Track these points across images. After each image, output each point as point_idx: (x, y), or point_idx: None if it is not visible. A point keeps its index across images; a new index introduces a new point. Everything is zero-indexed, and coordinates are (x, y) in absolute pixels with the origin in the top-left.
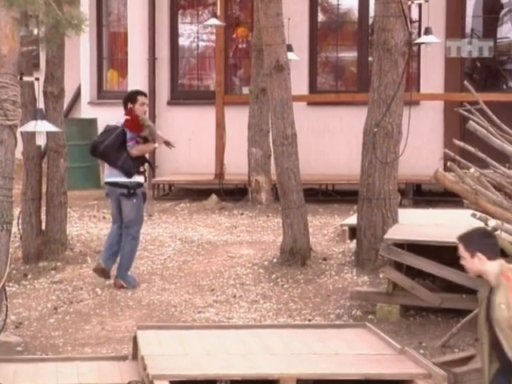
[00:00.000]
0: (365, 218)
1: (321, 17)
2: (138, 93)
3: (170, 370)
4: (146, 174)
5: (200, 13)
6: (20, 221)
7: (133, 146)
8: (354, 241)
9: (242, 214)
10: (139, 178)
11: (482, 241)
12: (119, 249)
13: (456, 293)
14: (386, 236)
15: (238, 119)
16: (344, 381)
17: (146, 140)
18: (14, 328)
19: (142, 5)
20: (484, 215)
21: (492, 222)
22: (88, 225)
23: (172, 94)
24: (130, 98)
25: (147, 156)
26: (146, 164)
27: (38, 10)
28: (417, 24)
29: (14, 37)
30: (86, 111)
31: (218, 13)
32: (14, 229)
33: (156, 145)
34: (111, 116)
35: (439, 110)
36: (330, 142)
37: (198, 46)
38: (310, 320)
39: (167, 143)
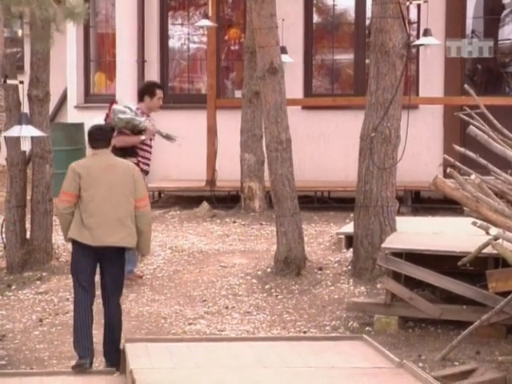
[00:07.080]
0: (362, 226)
1: (316, 18)
2: (156, 86)
3: None
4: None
5: (191, 14)
6: (3, 229)
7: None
8: (351, 250)
9: (235, 222)
10: None
11: None
12: None
13: (456, 304)
14: (383, 245)
15: (230, 124)
16: None
17: (136, 133)
18: None
19: (131, 5)
20: (485, 223)
21: (493, 231)
22: None
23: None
24: (149, 90)
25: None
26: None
27: (31, 3)
28: (415, 25)
29: None
30: (72, 115)
31: (210, 14)
32: None
33: (142, 137)
34: (98, 120)
35: (439, 114)
36: (326, 147)
37: (188, 47)
38: (305, 332)
39: (167, 137)
